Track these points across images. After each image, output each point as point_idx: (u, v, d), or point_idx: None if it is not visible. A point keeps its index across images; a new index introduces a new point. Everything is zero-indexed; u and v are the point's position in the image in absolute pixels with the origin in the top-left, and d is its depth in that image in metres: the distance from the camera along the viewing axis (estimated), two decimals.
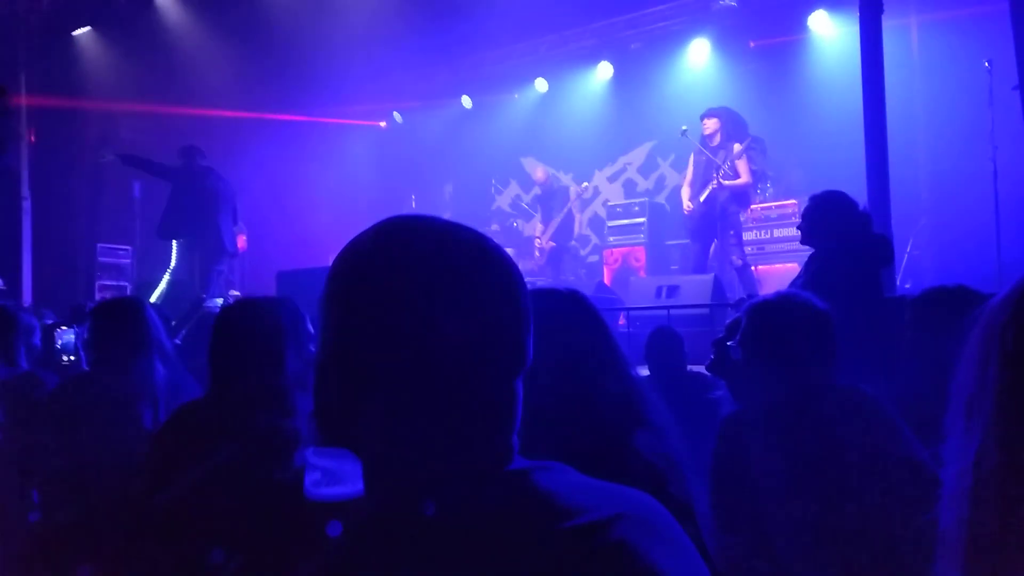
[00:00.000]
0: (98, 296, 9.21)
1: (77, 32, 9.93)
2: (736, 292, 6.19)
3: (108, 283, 9.42)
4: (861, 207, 3.43)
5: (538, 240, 9.00)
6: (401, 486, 0.72)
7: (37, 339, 3.09)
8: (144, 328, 2.44)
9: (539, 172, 9.16)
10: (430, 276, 0.71)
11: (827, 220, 3.39)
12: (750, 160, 6.86)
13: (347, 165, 11.40)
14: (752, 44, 8.90)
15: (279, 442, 1.66)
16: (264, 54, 9.27)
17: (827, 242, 3.34)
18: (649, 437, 1.62)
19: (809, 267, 3.39)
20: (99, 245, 9.47)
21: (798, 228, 3.60)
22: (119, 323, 2.44)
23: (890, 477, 1.85)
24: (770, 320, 1.98)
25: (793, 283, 3.45)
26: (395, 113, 11.68)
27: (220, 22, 9.12)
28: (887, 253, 3.38)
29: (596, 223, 9.59)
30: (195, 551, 1.48)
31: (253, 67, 9.51)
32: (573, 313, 1.74)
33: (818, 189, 3.68)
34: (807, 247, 3.64)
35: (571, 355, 1.68)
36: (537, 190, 9.58)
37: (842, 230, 3.31)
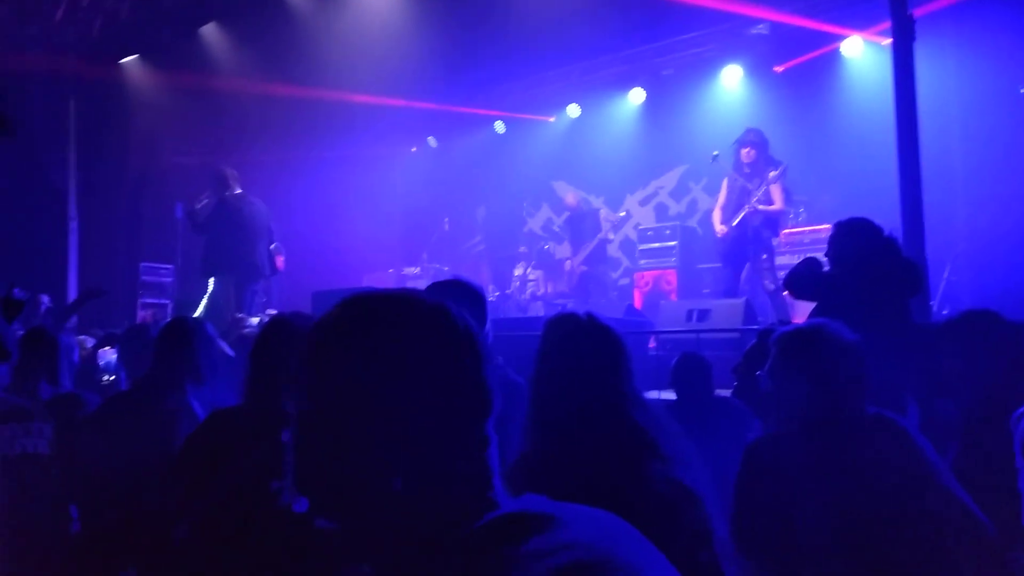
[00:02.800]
0: (140, 313, 9.44)
1: (124, 60, 10.29)
2: (768, 317, 6.15)
3: (150, 301, 9.65)
4: (887, 232, 3.42)
5: (568, 263, 9.02)
6: (374, 543, 0.76)
7: (76, 356, 3.19)
8: (197, 350, 2.52)
9: (570, 196, 9.20)
10: (386, 338, 0.78)
11: (851, 247, 3.38)
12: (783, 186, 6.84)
13: (382, 188, 11.58)
14: (778, 69, 8.89)
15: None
16: (305, 85, 9.50)
17: (853, 269, 3.33)
18: (661, 466, 1.63)
19: (826, 290, 3.37)
20: (142, 264, 9.72)
21: (825, 255, 3.59)
22: (183, 344, 2.52)
23: (920, 504, 1.85)
24: (801, 349, 2.00)
25: (815, 309, 3.43)
26: (429, 138, 11.86)
27: (261, 51, 9.39)
28: (916, 279, 3.35)
29: (627, 246, 9.60)
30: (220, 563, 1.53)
31: (291, 96, 9.74)
32: (589, 340, 1.78)
33: (853, 214, 3.66)
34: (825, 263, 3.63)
35: (584, 382, 1.72)
36: (567, 213, 9.62)
37: (868, 256, 3.30)
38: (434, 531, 0.74)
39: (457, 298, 0.93)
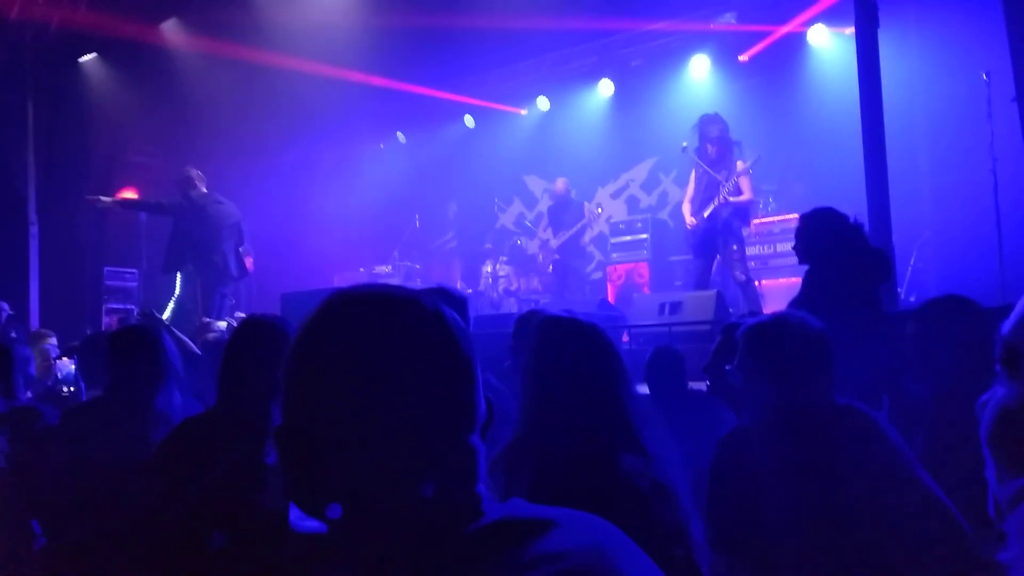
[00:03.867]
0: (105, 319, 9.26)
1: (83, 59, 10.05)
2: (740, 308, 6.18)
3: (115, 306, 9.48)
4: (852, 221, 3.45)
5: (553, 242, 8.98)
6: (366, 556, 0.74)
7: (32, 369, 3.11)
8: (162, 355, 2.47)
9: (559, 183, 9.09)
10: (370, 345, 0.75)
11: (818, 237, 3.41)
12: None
13: (352, 186, 11.47)
14: (743, 58, 8.94)
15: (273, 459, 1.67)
16: (267, 78, 9.36)
17: (821, 259, 3.35)
18: (638, 461, 1.64)
19: (804, 284, 3.39)
20: (106, 268, 9.53)
21: (793, 248, 3.62)
22: (137, 350, 2.46)
23: (890, 496, 1.85)
24: (765, 342, 2.00)
25: (791, 302, 3.45)
26: (398, 133, 11.76)
27: (223, 45, 9.22)
28: (884, 266, 3.39)
29: (599, 240, 9.61)
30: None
31: (256, 92, 9.60)
32: (583, 343, 1.79)
33: (822, 202, 3.69)
34: (799, 261, 3.65)
35: (574, 382, 1.73)
36: (549, 200, 9.56)
37: (834, 246, 3.33)
38: (423, 537, 0.73)
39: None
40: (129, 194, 9.33)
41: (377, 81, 9.66)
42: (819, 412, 1.94)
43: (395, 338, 0.76)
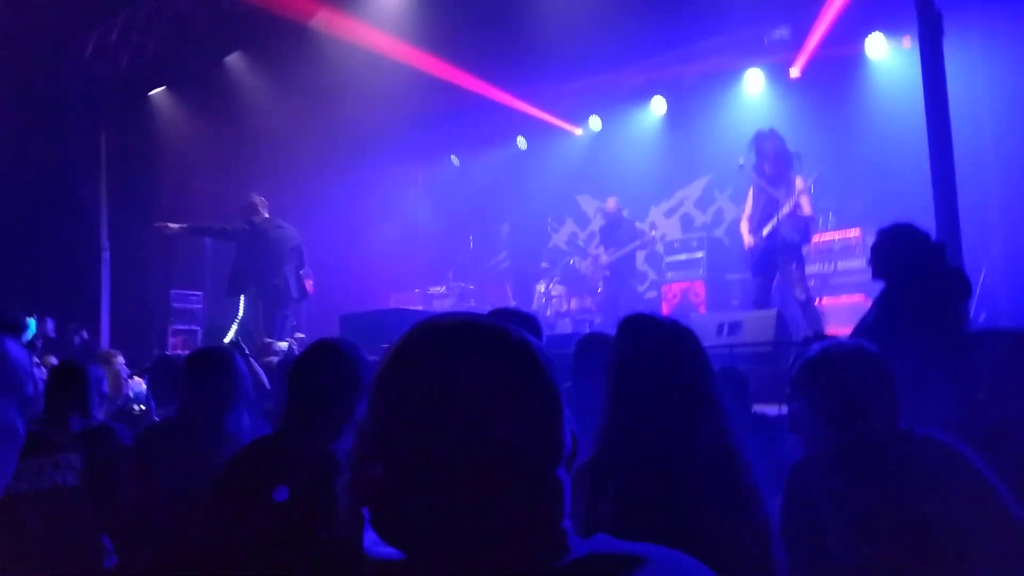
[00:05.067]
0: (171, 340, 9.56)
1: (153, 92, 10.49)
2: (800, 328, 6.03)
3: (180, 327, 9.77)
4: (934, 238, 3.29)
5: (603, 258, 8.93)
6: None
7: (105, 387, 3.22)
8: (234, 378, 2.53)
9: (611, 202, 9.09)
10: (459, 377, 0.74)
11: (898, 254, 3.24)
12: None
13: (407, 209, 11.65)
14: (797, 72, 8.80)
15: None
16: (325, 106, 9.60)
17: (900, 277, 3.19)
18: (726, 463, 1.63)
19: (881, 303, 3.24)
20: (172, 291, 9.85)
21: (868, 263, 3.45)
22: (210, 373, 2.53)
23: (974, 526, 1.78)
24: (820, 375, 1.97)
25: (863, 320, 3.32)
26: (452, 157, 11.91)
27: (285, 77, 9.51)
28: (964, 286, 3.21)
29: (653, 259, 9.53)
30: None
31: (315, 120, 9.85)
32: (675, 351, 1.76)
33: (882, 217, 3.55)
34: (873, 277, 3.51)
35: (665, 396, 1.70)
36: (601, 220, 9.54)
37: (915, 264, 3.17)
38: (508, 573, 0.72)
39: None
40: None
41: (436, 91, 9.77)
42: (881, 443, 1.88)
43: (484, 369, 0.74)
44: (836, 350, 2.00)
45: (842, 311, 6.85)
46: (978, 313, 6.55)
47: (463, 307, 9.72)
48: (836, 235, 7.62)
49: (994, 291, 7.02)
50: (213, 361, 2.55)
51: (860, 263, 7.34)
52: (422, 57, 8.95)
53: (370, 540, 1.12)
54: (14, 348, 1.01)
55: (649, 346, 1.81)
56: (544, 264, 10.15)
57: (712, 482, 1.64)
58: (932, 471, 1.83)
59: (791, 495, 1.92)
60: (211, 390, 2.47)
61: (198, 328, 9.69)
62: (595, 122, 10.57)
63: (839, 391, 1.91)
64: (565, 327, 9.05)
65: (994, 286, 7.05)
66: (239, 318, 7.36)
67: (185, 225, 7.80)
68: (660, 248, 9.37)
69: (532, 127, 10.90)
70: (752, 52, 9.15)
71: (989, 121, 7.25)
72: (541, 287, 9.74)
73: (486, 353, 0.76)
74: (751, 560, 1.57)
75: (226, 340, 7.13)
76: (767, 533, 1.67)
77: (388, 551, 1.04)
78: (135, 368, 4.95)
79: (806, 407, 2.01)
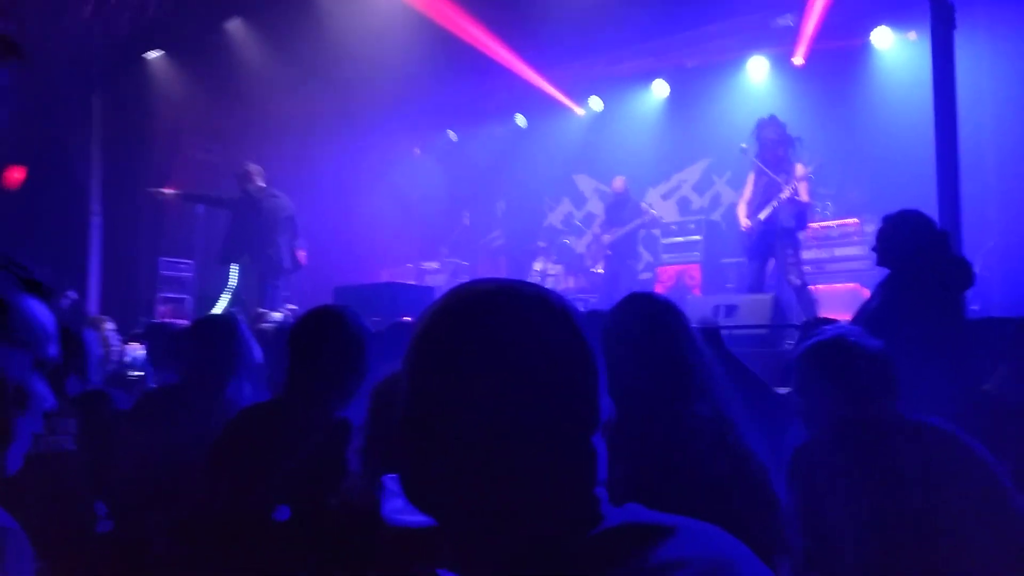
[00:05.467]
0: (160, 308, 9.48)
1: (149, 55, 10.31)
2: (795, 312, 6.05)
3: (169, 296, 9.68)
4: (938, 226, 3.28)
5: (606, 237, 8.86)
6: (484, 555, 0.73)
7: (99, 350, 3.18)
8: (238, 345, 2.50)
9: (618, 181, 9.00)
10: (500, 342, 0.74)
11: (904, 240, 3.23)
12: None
13: (401, 182, 11.56)
14: (800, 60, 8.76)
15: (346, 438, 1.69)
16: (322, 76, 9.48)
17: (905, 264, 3.19)
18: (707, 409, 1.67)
19: (885, 290, 3.24)
20: (161, 259, 9.76)
21: (873, 249, 3.44)
22: (215, 340, 2.50)
23: (971, 515, 1.79)
24: (824, 364, 1.98)
25: (866, 305, 3.32)
26: (449, 131, 11.81)
27: (284, 44, 9.37)
28: (968, 275, 3.21)
29: (649, 241, 9.50)
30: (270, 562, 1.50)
31: (313, 90, 9.73)
32: (672, 325, 1.80)
33: (881, 207, 3.53)
34: (869, 266, 3.51)
35: (663, 369, 1.74)
36: (608, 199, 9.45)
37: (920, 251, 3.17)
38: (541, 540, 0.71)
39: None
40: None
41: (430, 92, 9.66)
42: (882, 428, 1.90)
43: (524, 334, 0.74)
44: (844, 338, 2.02)
45: (836, 298, 6.87)
46: (972, 303, 6.58)
47: (457, 283, 9.68)
48: (834, 223, 7.62)
49: (988, 284, 7.06)
50: (219, 328, 2.53)
51: (857, 251, 7.36)
52: (426, 7, 8.79)
53: (391, 508, 1.10)
54: (34, 305, 0.99)
55: (639, 320, 1.90)
56: (541, 243, 10.11)
57: (709, 450, 1.69)
58: (932, 458, 1.84)
59: (796, 477, 1.92)
60: (216, 356, 2.45)
61: (187, 296, 9.61)
62: (596, 102, 10.49)
63: (846, 378, 1.93)
64: None
65: (988, 279, 7.08)
66: (230, 286, 7.30)
67: (179, 191, 7.71)
68: (657, 231, 9.34)
69: (532, 105, 10.81)
70: (757, 38, 9.08)
71: (990, 116, 7.25)
72: (538, 265, 9.71)
73: (526, 319, 0.75)
74: (761, 529, 1.59)
75: (217, 307, 7.09)
76: (773, 505, 1.72)
77: (414, 519, 1.03)
78: (124, 335, 4.91)
79: (808, 393, 2.02)
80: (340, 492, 1.37)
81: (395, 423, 0.77)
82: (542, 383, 0.72)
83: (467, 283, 0.81)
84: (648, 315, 1.91)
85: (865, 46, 8.53)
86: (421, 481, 0.75)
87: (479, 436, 0.72)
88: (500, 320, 0.75)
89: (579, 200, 11.26)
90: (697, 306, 6.24)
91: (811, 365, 2.01)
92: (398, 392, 0.77)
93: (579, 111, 10.81)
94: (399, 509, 1.00)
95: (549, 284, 9.44)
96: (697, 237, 8.67)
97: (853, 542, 1.83)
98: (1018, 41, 7.10)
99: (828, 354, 1.99)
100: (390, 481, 1.07)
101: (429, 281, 10.11)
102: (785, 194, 6.33)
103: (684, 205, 10.25)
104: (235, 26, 9.74)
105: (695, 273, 8.48)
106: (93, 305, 9.36)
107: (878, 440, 1.88)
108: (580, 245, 10.05)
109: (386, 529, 0.84)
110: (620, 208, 8.84)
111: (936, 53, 4.18)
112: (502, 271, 10.27)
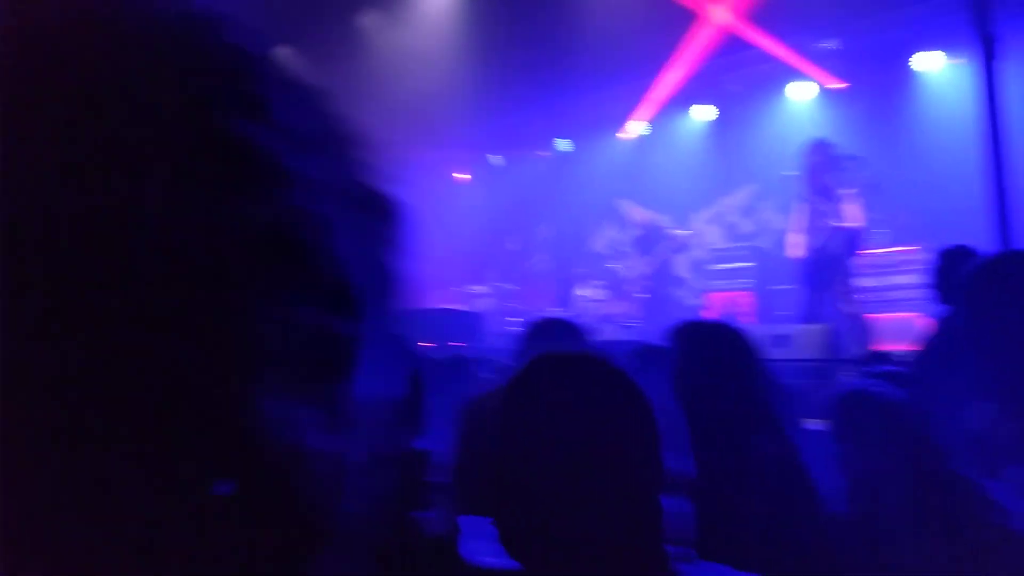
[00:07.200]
0: None
1: None
2: (849, 343, 5.91)
3: None
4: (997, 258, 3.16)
5: (641, 266, 8.86)
6: None
7: None
8: None
9: (639, 212, 9.05)
10: (572, 408, 0.84)
11: (959, 278, 3.12)
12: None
13: (447, 207, 11.67)
14: (846, 85, 8.68)
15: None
16: (368, 101, 9.66)
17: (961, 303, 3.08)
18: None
19: (949, 328, 3.13)
20: None
21: (931, 287, 3.34)
22: None
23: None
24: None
25: (931, 341, 3.23)
26: (493, 156, 11.91)
27: (331, 71, 9.60)
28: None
29: (695, 267, 9.41)
30: None
31: (356, 111, 9.89)
32: (728, 355, 1.73)
33: (938, 234, 3.43)
34: (929, 296, 3.41)
35: (720, 404, 1.66)
36: (634, 231, 9.49)
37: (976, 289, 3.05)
38: None
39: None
40: None
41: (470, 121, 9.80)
42: (931, 484, 1.83)
43: (601, 406, 0.84)
44: (866, 392, 1.94)
45: (895, 328, 6.68)
46: None
47: (506, 308, 9.76)
48: (891, 251, 7.46)
49: None
50: None
51: (916, 279, 7.15)
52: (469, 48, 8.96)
53: (470, 550, 1.11)
54: None
55: (710, 353, 1.79)
56: (584, 269, 10.10)
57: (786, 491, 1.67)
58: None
59: None
60: None
61: None
62: (639, 127, 10.49)
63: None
64: (608, 332, 8.97)
65: None
66: None
67: None
68: (702, 255, 9.26)
69: (575, 129, 10.87)
70: (802, 62, 9.01)
71: None
72: (583, 291, 9.70)
73: (599, 389, 0.86)
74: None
75: None
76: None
77: (496, 561, 1.04)
78: None
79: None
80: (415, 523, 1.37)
81: (490, 477, 0.86)
82: (618, 451, 0.83)
83: (546, 354, 0.90)
84: (718, 352, 1.83)
85: (911, 70, 8.43)
86: (512, 531, 0.84)
87: (561, 494, 0.81)
88: (577, 390, 0.86)
89: (623, 225, 11.22)
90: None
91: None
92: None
93: (621, 135, 10.84)
94: (479, 551, 1.02)
95: (595, 310, 9.43)
96: (747, 264, 8.56)
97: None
98: None
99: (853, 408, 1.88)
100: (465, 523, 1.08)
101: (478, 305, 10.15)
102: (835, 221, 6.23)
103: (730, 231, 10.13)
104: (283, 54, 10.01)
105: (746, 300, 8.36)
106: None
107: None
108: (624, 271, 10.00)
109: (469, 568, 0.89)
110: (646, 240, 8.86)
111: (982, 84, 4.09)
112: (547, 296, 10.26)
